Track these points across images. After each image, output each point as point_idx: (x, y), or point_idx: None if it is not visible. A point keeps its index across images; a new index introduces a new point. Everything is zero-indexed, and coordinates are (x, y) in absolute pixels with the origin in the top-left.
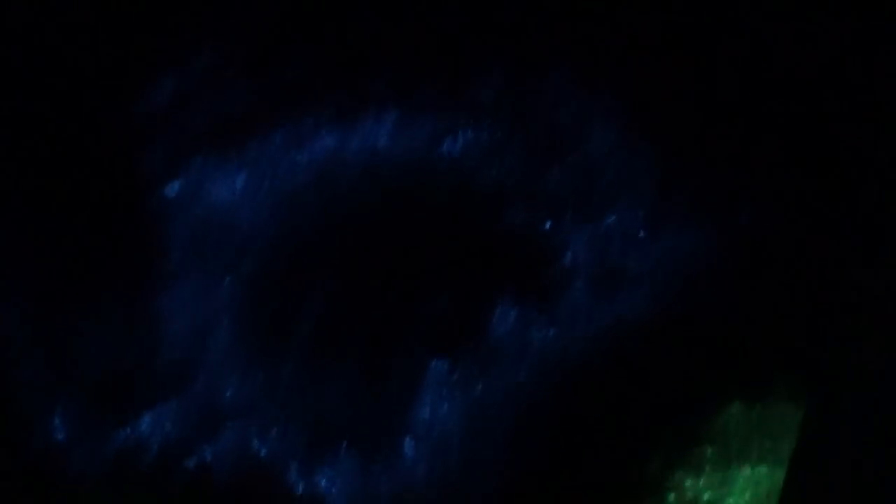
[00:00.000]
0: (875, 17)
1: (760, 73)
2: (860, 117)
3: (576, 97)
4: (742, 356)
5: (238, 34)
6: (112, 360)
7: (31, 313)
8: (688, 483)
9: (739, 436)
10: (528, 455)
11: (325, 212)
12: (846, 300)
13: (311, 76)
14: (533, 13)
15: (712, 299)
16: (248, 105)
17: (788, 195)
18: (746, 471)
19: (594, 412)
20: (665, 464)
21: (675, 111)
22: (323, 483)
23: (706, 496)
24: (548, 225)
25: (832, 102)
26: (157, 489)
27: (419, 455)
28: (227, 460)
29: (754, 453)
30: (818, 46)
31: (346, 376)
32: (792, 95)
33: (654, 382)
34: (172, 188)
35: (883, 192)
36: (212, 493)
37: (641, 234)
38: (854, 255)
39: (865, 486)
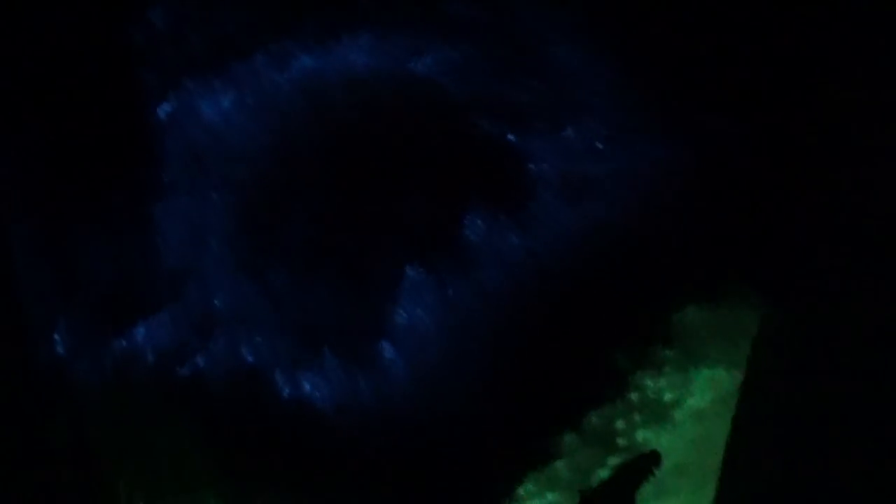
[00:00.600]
0: None
1: None
2: (820, 27)
3: (540, 16)
4: (699, 261)
5: None
6: (110, 271)
7: (37, 229)
8: (649, 383)
9: (697, 338)
10: (499, 356)
11: (308, 127)
12: (801, 210)
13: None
14: None
15: (670, 207)
16: (232, 30)
17: (746, 109)
18: (705, 372)
19: (559, 314)
20: (627, 364)
21: (634, 29)
22: (308, 387)
23: (667, 396)
24: (512, 137)
25: (791, 15)
26: (153, 396)
27: (397, 357)
28: (219, 367)
29: (712, 355)
30: None
31: (328, 284)
32: (751, 9)
33: (614, 284)
34: (165, 109)
35: (838, 104)
36: (204, 399)
37: (600, 145)
38: (808, 169)
39: (821, 389)
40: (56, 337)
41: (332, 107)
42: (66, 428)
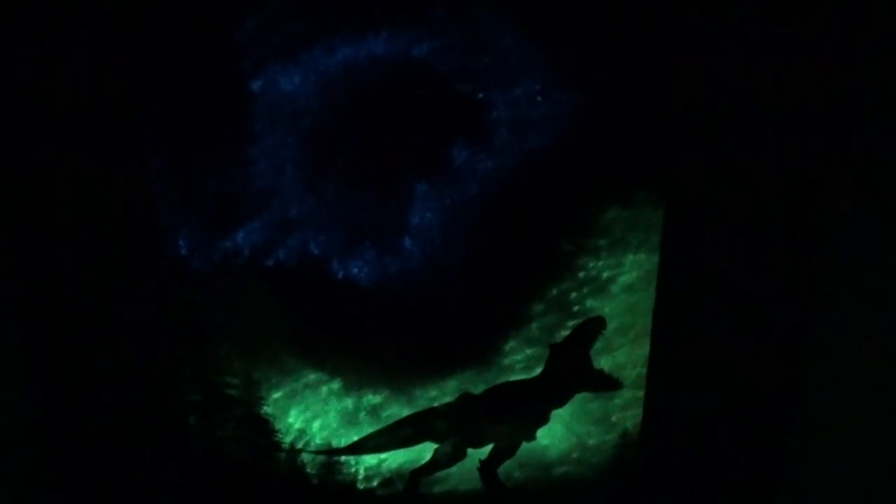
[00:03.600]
0: None
1: None
2: None
3: (493, 15)
4: (616, 174)
5: None
6: (219, 193)
7: (167, 164)
8: (591, 265)
9: (621, 230)
10: (480, 245)
11: (348, 93)
12: (686, 133)
13: (333, 13)
14: None
15: (593, 138)
16: (298, 31)
17: (633, 68)
18: (630, 256)
19: (522, 214)
20: (573, 250)
21: (561, 22)
22: (354, 270)
23: (605, 274)
24: (480, 95)
25: None
26: (249, 280)
27: (414, 247)
28: (293, 258)
29: (634, 244)
30: None
31: (365, 199)
32: None
33: (559, 191)
34: (256, 84)
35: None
36: (283, 281)
37: (539, 98)
38: (686, 98)
39: (721, 263)
40: (180, 242)
41: (361, 80)
42: (186, 307)
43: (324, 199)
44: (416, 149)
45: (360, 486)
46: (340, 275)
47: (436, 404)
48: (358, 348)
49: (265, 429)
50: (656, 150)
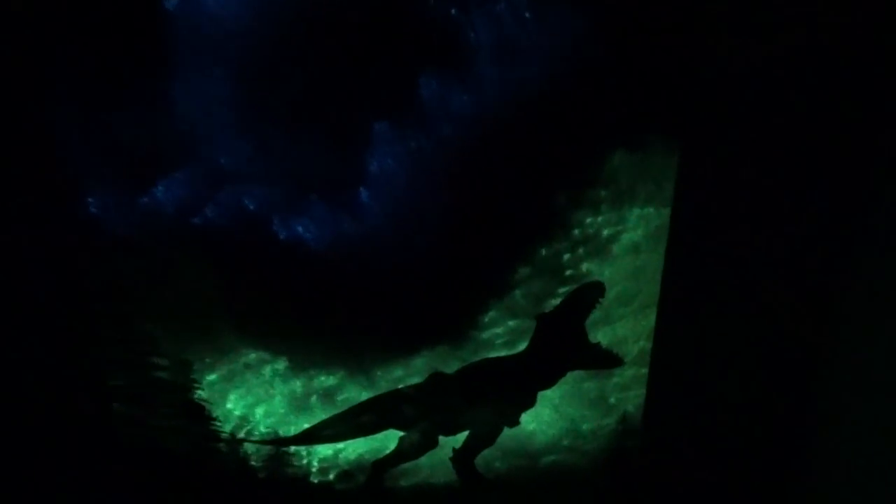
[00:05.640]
0: None
1: None
2: None
3: None
4: (621, 109)
5: None
6: (132, 140)
7: (71, 106)
8: (588, 220)
9: (627, 180)
10: (454, 197)
11: (288, 12)
12: (710, 67)
13: None
14: None
15: (595, 68)
16: None
17: None
18: (637, 211)
19: (505, 160)
20: (567, 203)
21: None
22: (299, 229)
23: (605, 232)
24: (453, 11)
25: None
26: (172, 243)
27: (372, 200)
28: (225, 217)
29: (642, 196)
30: None
31: (312, 142)
32: None
33: (550, 132)
34: (173, 2)
35: None
36: (213, 244)
37: (527, 14)
38: (714, 27)
39: (742, 222)
40: (89, 199)
41: None
42: (100, 274)
43: (261, 143)
44: (373, 80)
45: (314, 479)
46: (283, 235)
47: (401, 386)
48: (306, 322)
49: (201, 416)
50: (672, 84)
